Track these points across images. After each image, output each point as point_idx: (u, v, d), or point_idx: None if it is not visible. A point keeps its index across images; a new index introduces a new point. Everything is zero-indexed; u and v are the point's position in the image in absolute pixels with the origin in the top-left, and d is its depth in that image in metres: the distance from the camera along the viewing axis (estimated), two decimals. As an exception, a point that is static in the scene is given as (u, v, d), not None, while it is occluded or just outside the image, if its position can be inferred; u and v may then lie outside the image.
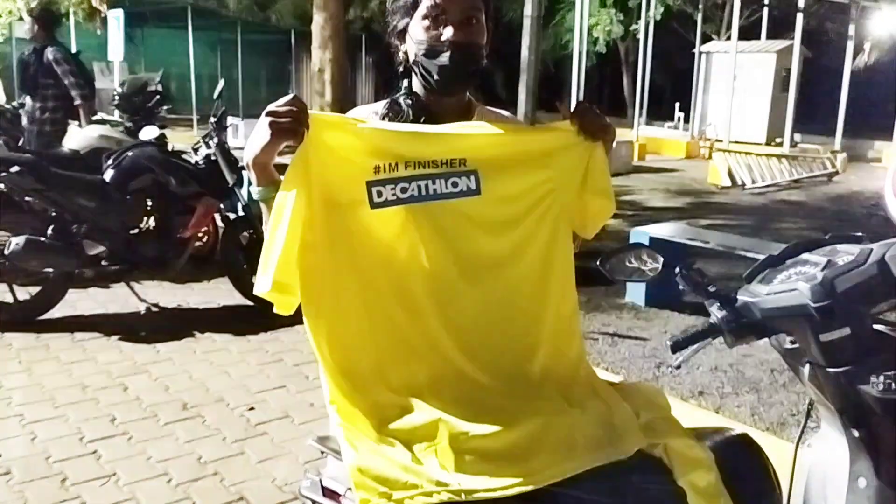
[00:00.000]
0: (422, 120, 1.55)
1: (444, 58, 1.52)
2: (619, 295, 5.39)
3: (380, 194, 1.44)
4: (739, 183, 11.84)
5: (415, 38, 1.55)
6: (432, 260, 1.45)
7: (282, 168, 1.43)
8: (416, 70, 1.59)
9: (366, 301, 1.45)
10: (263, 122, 1.38)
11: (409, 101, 1.58)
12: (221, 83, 5.36)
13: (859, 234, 1.82)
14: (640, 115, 17.63)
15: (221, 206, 5.41)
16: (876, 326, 1.75)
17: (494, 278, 1.50)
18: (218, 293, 5.42)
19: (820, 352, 1.68)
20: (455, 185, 1.47)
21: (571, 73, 16.86)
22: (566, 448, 1.33)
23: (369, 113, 1.62)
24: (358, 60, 22.73)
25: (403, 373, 1.44)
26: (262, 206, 1.45)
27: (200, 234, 5.74)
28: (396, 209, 1.44)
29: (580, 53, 15.03)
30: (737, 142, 15.00)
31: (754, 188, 11.74)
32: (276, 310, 1.46)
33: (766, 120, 17.24)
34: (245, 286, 5.03)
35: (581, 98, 17.13)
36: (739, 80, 16.60)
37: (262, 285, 1.37)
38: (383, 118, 1.58)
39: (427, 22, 1.53)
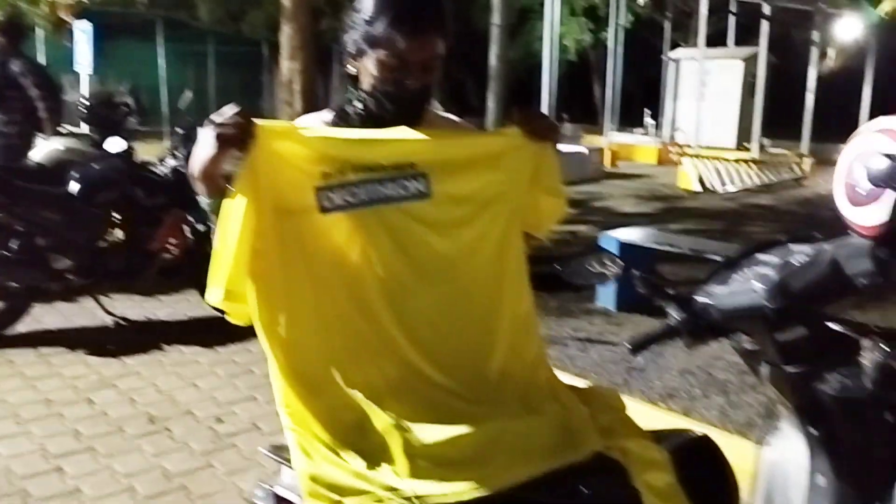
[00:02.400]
0: (371, 127, 1.55)
1: (398, 99, 1.53)
2: (589, 300, 5.42)
3: (330, 200, 1.44)
4: (709, 188, 11.97)
5: (370, 70, 1.53)
6: (385, 263, 1.46)
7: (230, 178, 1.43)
8: (369, 93, 1.57)
9: (319, 306, 1.45)
10: (208, 133, 1.37)
11: (358, 109, 1.58)
12: (187, 94, 5.34)
13: (814, 233, 1.85)
14: (612, 122, 17.76)
15: (191, 217, 5.36)
16: (831, 326, 1.78)
17: (448, 280, 1.51)
18: (187, 305, 5.37)
19: (777, 352, 1.70)
20: (405, 188, 1.47)
21: (542, 81, 16.99)
22: (522, 452, 1.33)
23: (317, 121, 1.61)
24: (330, 71, 22.69)
25: (359, 376, 1.44)
26: (212, 216, 1.44)
27: (169, 247, 5.67)
28: (347, 214, 1.45)
29: (551, 62, 15.10)
30: (706, 147, 15.15)
31: (724, 192, 11.87)
32: (231, 320, 1.45)
33: (734, 125, 17.44)
34: (214, 298, 4.98)
35: (553, 106, 17.25)
36: (708, 86, 16.81)
37: (214, 295, 1.37)
38: (331, 126, 1.58)
39: (385, 63, 1.50)
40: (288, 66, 7.31)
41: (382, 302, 1.46)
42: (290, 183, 1.43)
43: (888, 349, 1.63)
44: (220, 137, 1.36)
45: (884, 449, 1.70)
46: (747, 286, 1.69)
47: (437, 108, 1.82)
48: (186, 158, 5.01)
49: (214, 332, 4.68)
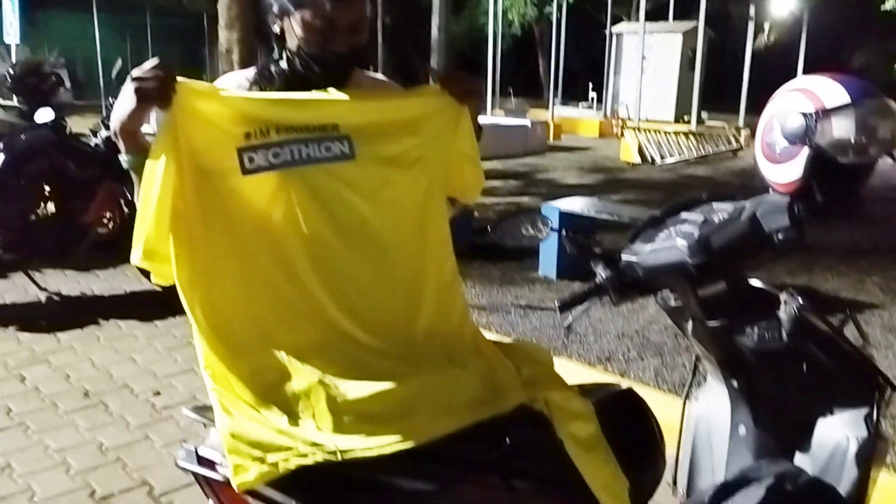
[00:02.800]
0: (295, 88, 1.53)
1: (325, 62, 1.51)
2: (531, 269, 5.48)
3: (251, 160, 1.41)
4: (649, 159, 12.18)
5: (296, 32, 1.50)
6: (309, 224, 1.44)
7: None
8: (294, 53, 1.55)
9: (242, 267, 1.43)
10: (129, 87, 1.33)
11: (281, 69, 1.56)
12: (119, 63, 5.17)
13: (734, 193, 1.90)
14: (556, 95, 17.87)
15: (126, 190, 5.23)
16: (750, 281, 1.84)
17: (372, 241, 1.50)
18: (124, 280, 5.26)
19: (699, 307, 1.75)
20: (328, 149, 1.46)
21: (487, 55, 16.97)
22: (446, 406, 1.34)
23: (240, 79, 1.58)
24: (272, 45, 22.24)
25: (283, 336, 1.43)
26: (133, 174, 1.41)
27: (104, 220, 5.53)
28: (270, 175, 1.42)
29: (495, 36, 15.13)
30: (647, 120, 15.40)
31: (663, 164, 12.09)
32: (153, 280, 1.43)
33: (674, 98, 17.76)
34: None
35: (498, 80, 17.25)
36: (648, 60, 17.03)
37: (134, 255, 1.35)
38: (253, 85, 1.55)
39: (311, 25, 1.47)
40: (226, 36, 7.14)
41: (306, 263, 1.44)
42: (212, 143, 1.40)
43: (803, 303, 1.70)
44: (139, 91, 1.33)
45: (800, 398, 1.77)
46: (670, 243, 1.73)
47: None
48: (119, 129, 4.88)
49: (152, 306, 4.62)
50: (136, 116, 1.36)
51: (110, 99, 5.06)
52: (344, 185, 1.47)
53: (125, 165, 1.40)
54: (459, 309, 1.61)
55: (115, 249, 5.54)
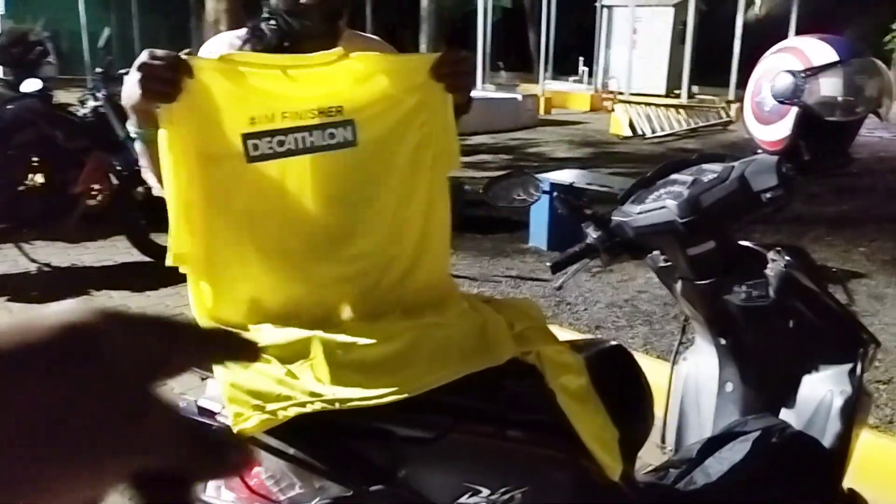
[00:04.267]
0: (287, 46, 1.53)
1: (303, 18, 1.51)
2: (522, 240, 5.51)
3: (256, 147, 1.40)
4: (640, 133, 12.18)
5: None
6: (313, 213, 1.47)
7: None
8: (274, 10, 1.56)
9: (241, 246, 1.46)
10: (135, 76, 1.30)
11: (272, 26, 1.56)
12: (107, 31, 5.13)
13: (725, 153, 1.92)
14: (546, 69, 17.81)
15: (115, 161, 5.20)
16: (740, 241, 1.87)
17: (376, 226, 1.52)
18: (115, 251, 5.25)
19: (688, 266, 1.78)
20: (332, 136, 1.46)
21: (476, 28, 16.86)
22: (441, 357, 1.37)
23: (231, 39, 1.58)
24: (259, 14, 22.03)
25: (282, 294, 1.47)
26: (141, 145, 1.41)
27: (93, 191, 5.50)
28: (273, 162, 1.43)
29: (485, 9, 15.03)
30: (637, 94, 15.36)
31: (654, 138, 12.09)
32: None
33: (664, 72, 17.69)
34: (143, 242, 4.89)
35: (488, 53, 17.16)
36: (639, 33, 16.99)
37: (167, 259, 1.41)
38: (245, 44, 1.56)
39: None
40: (213, 7, 7.10)
41: (311, 253, 1.48)
42: (218, 128, 1.39)
43: (791, 260, 1.73)
44: (145, 87, 1.30)
45: (786, 355, 1.81)
46: (660, 203, 1.75)
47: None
48: (107, 99, 4.85)
49: (144, 277, 4.62)
50: (143, 105, 1.35)
51: (97, 70, 5.03)
52: (349, 172, 1.49)
53: (134, 137, 1.40)
54: (447, 272, 1.65)
55: (104, 221, 5.55)
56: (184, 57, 1.34)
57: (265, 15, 1.58)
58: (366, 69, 1.49)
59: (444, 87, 1.52)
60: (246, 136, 1.40)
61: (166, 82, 1.31)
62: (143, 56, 1.31)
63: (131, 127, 1.41)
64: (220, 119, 1.39)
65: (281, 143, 1.42)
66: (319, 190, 1.48)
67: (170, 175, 1.36)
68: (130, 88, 1.33)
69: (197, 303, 1.47)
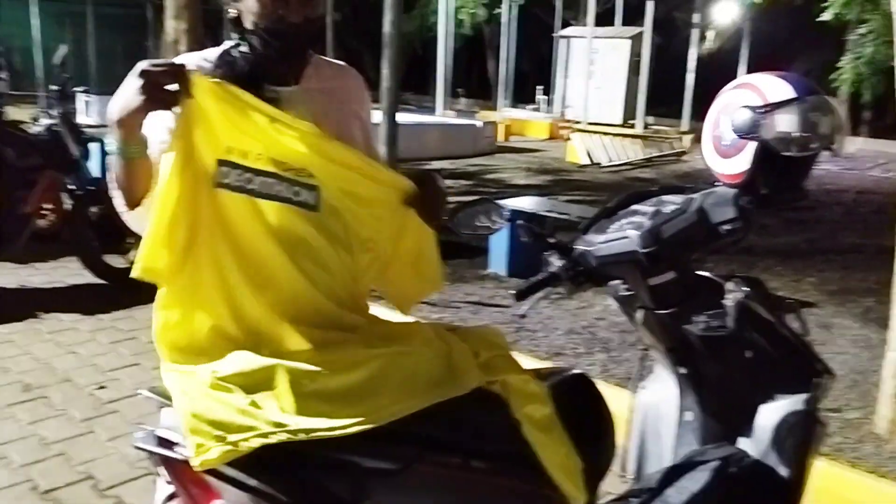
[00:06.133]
0: (259, 71, 1.52)
1: (282, 37, 1.50)
2: (482, 266, 5.52)
3: (225, 175, 1.41)
4: (596, 162, 12.38)
5: (251, 8, 1.50)
6: (273, 254, 1.45)
7: None
8: (251, 31, 1.54)
9: (207, 264, 1.44)
10: (135, 83, 1.28)
11: (244, 52, 1.55)
12: (63, 49, 5.03)
13: (686, 185, 1.96)
14: (505, 97, 18.03)
15: (67, 180, 5.08)
16: (698, 272, 1.90)
17: (328, 271, 1.51)
18: (65, 272, 5.12)
19: (649, 295, 1.80)
20: (297, 194, 1.46)
21: (437, 55, 17.00)
22: (406, 387, 1.36)
23: (199, 60, 1.56)
24: (219, 37, 21.89)
25: (245, 322, 1.43)
26: (119, 161, 1.37)
27: (44, 211, 5.36)
28: (234, 197, 1.42)
29: (446, 35, 15.16)
30: (594, 123, 15.62)
31: (610, 166, 12.29)
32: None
33: (621, 102, 18.04)
34: (95, 264, 4.78)
35: (449, 80, 17.30)
36: (596, 64, 17.32)
37: (135, 270, 1.37)
38: (215, 69, 1.54)
39: None
40: (173, 26, 7.00)
41: (267, 280, 1.45)
42: (200, 144, 1.39)
43: (748, 291, 1.76)
44: (148, 93, 1.28)
45: (744, 384, 1.84)
46: (622, 233, 1.78)
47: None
48: (61, 117, 4.75)
49: (95, 299, 4.52)
50: (138, 116, 1.31)
51: (52, 87, 4.93)
52: (303, 227, 1.48)
53: (113, 153, 1.36)
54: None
55: (54, 241, 5.41)
56: (185, 66, 1.34)
57: (236, 41, 1.56)
58: (341, 159, 1.50)
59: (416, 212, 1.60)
60: (220, 162, 1.40)
61: (171, 92, 1.31)
62: (143, 64, 1.30)
63: (113, 142, 1.36)
64: (204, 137, 1.38)
65: (249, 181, 1.42)
66: (281, 236, 1.46)
67: (163, 187, 1.34)
68: (127, 97, 1.30)
69: (161, 326, 1.43)
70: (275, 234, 1.45)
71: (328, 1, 14.74)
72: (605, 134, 13.31)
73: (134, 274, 1.37)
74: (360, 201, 1.54)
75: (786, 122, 1.63)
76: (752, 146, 1.66)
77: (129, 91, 1.29)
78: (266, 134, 1.43)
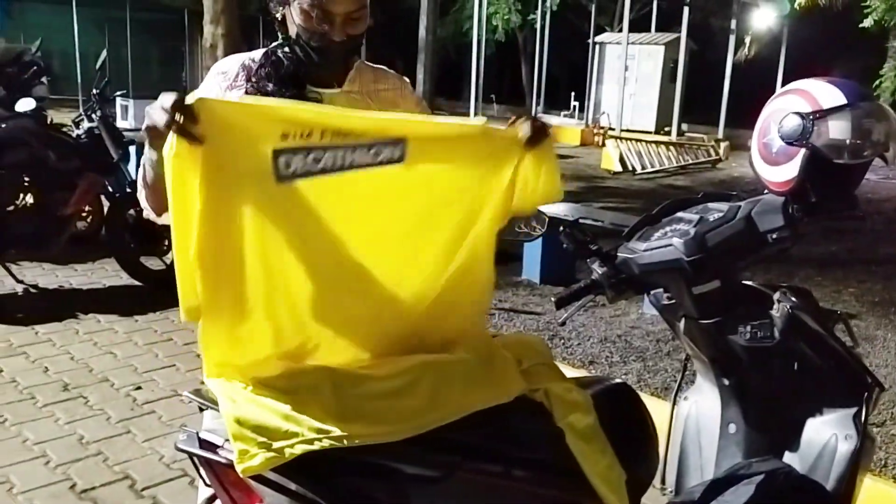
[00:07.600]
0: (302, 72, 1.52)
1: (324, 51, 1.50)
2: (515, 273, 5.50)
3: (288, 165, 1.26)
4: (630, 169, 12.27)
5: (295, 20, 1.50)
6: (338, 240, 1.36)
7: None
8: (294, 41, 1.53)
9: (257, 270, 1.33)
10: (147, 119, 1.24)
11: (288, 54, 1.55)
12: (104, 54, 5.13)
13: (731, 192, 1.92)
14: (538, 103, 17.98)
15: (106, 183, 5.17)
16: (743, 281, 1.86)
17: (402, 251, 1.43)
18: (103, 274, 5.19)
19: (693, 304, 1.77)
20: (377, 154, 1.32)
21: (471, 61, 17.03)
22: (450, 394, 1.34)
23: (245, 59, 1.57)
24: (255, 42, 22.15)
25: (293, 327, 1.37)
26: (153, 174, 1.36)
27: (84, 213, 5.47)
28: (304, 184, 1.29)
29: (479, 41, 15.16)
30: (628, 130, 15.51)
31: (644, 174, 12.19)
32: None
33: (655, 109, 17.90)
34: (132, 266, 4.84)
35: (481, 86, 17.32)
36: (631, 70, 17.20)
37: (182, 316, 1.29)
38: (259, 68, 1.54)
39: (308, 14, 1.47)
40: (211, 31, 7.10)
41: (335, 287, 1.38)
42: (242, 146, 1.25)
43: (797, 302, 1.72)
44: (152, 138, 1.25)
45: (790, 397, 1.79)
46: (666, 241, 1.75)
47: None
48: (101, 120, 4.83)
49: (132, 300, 4.58)
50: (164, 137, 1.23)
51: (93, 91, 5.02)
52: (389, 183, 1.37)
53: (147, 161, 1.36)
54: (472, 306, 1.59)
55: (93, 243, 5.50)
56: (187, 101, 1.21)
57: (280, 42, 1.57)
58: (433, 121, 1.43)
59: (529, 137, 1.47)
60: (277, 153, 1.25)
61: (159, 135, 1.22)
62: (154, 104, 1.23)
63: (149, 156, 1.34)
64: (245, 137, 1.25)
65: (317, 161, 1.28)
66: (356, 215, 1.36)
67: (177, 227, 1.23)
68: (153, 118, 1.24)
69: (208, 349, 1.34)
70: (354, 214, 1.35)
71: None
72: (639, 141, 13.20)
73: (183, 319, 1.31)
74: (449, 150, 1.41)
75: (837, 129, 1.59)
76: (801, 153, 1.62)
77: (154, 116, 1.23)
78: (324, 113, 1.32)
